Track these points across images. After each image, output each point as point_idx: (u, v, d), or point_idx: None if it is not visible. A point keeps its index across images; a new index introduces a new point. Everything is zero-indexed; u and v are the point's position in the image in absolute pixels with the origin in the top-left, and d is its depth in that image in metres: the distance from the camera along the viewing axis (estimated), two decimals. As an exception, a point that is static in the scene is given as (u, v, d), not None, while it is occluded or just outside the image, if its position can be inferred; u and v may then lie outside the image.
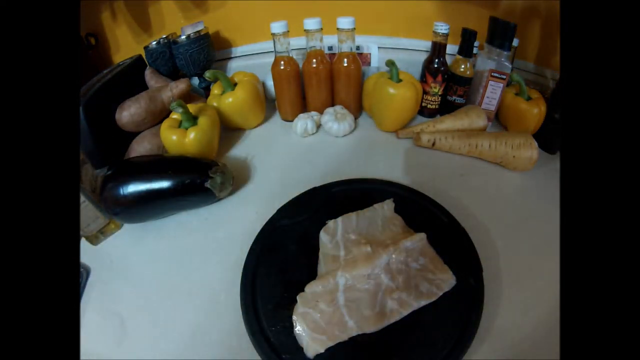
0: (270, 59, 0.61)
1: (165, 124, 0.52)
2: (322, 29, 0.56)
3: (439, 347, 0.31)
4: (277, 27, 0.55)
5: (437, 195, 0.45)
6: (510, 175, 0.51)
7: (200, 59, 0.65)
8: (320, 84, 0.61)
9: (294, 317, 0.33)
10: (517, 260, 0.39)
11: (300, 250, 0.40)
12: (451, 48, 0.58)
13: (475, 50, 0.57)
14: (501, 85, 0.55)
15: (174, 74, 0.69)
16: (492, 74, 0.54)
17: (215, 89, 0.61)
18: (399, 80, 0.55)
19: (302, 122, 0.61)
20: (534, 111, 0.53)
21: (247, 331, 0.33)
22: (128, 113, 0.55)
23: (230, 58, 0.75)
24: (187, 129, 0.51)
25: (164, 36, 0.67)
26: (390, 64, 0.54)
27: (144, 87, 0.63)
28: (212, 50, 0.68)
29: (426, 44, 0.61)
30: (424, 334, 0.32)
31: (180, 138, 0.50)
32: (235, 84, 0.60)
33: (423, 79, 0.60)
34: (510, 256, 0.40)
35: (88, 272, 0.42)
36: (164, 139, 0.51)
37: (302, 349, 0.32)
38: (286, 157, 0.58)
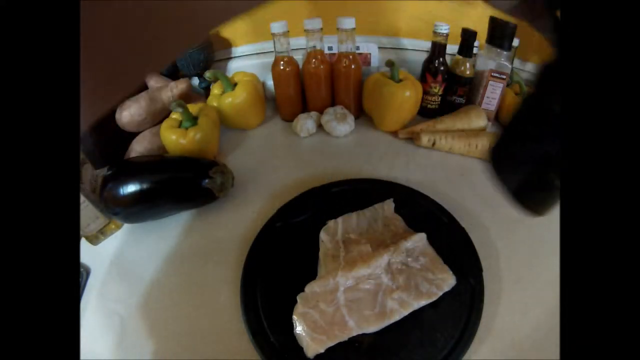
0: (270, 59, 0.61)
1: (165, 124, 0.52)
2: (322, 29, 0.56)
3: (439, 347, 0.31)
4: (277, 27, 0.55)
5: (437, 195, 0.45)
6: (510, 175, 0.51)
7: (200, 59, 0.65)
8: (320, 84, 0.61)
9: (294, 317, 0.33)
10: (517, 260, 0.39)
11: (300, 250, 0.40)
12: (451, 48, 0.58)
13: (475, 50, 0.57)
14: (501, 85, 0.55)
15: (174, 74, 0.69)
16: (492, 74, 0.54)
17: (215, 89, 0.61)
18: (399, 80, 0.55)
19: (302, 122, 0.61)
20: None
21: (247, 331, 0.33)
22: (128, 113, 0.55)
23: (230, 58, 0.75)
24: (187, 129, 0.51)
25: (164, 36, 0.67)
26: (390, 64, 0.54)
27: (144, 87, 0.63)
28: (212, 50, 0.68)
29: (426, 44, 0.61)
30: (424, 334, 0.32)
31: (180, 138, 0.50)
32: (235, 84, 0.60)
33: (423, 79, 0.60)
34: (510, 256, 0.39)
35: (88, 272, 0.42)
36: (163, 139, 0.51)
37: (302, 349, 0.32)
38: (286, 157, 0.58)
